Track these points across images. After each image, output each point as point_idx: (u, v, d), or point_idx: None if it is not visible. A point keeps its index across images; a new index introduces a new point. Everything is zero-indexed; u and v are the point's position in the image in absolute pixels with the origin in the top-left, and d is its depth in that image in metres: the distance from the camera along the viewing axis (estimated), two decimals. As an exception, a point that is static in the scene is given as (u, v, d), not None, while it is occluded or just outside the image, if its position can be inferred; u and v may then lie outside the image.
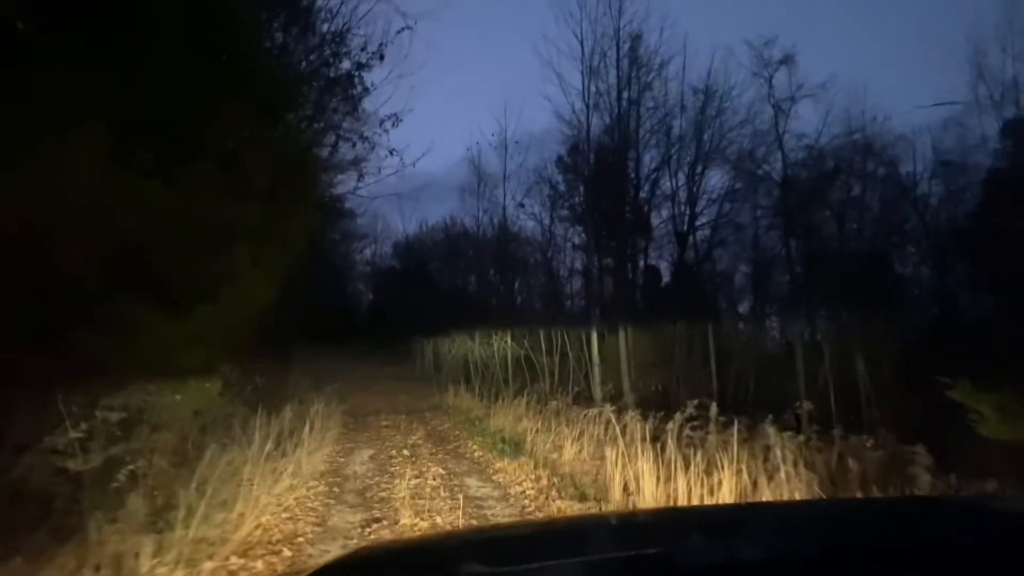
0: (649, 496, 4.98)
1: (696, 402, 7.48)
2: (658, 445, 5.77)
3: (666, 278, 23.08)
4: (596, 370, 16.44)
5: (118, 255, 3.09)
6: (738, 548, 1.18)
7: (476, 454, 8.24)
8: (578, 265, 24.71)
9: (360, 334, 35.83)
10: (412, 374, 21.21)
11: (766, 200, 19.99)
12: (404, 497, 5.60)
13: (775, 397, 12.56)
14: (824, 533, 1.29)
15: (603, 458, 6.94)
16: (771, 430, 4.85)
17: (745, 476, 4.47)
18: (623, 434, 7.28)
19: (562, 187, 25.67)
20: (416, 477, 6.46)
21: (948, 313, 17.47)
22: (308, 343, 23.89)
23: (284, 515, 4.84)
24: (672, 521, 1.71)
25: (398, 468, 7.07)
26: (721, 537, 1.30)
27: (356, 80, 13.63)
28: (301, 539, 4.42)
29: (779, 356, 18.01)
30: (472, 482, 6.41)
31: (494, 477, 6.68)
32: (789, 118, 19.77)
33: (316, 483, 6.16)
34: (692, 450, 5.86)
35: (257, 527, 4.38)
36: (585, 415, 8.20)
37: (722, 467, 5.05)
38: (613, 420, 6.57)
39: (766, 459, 4.66)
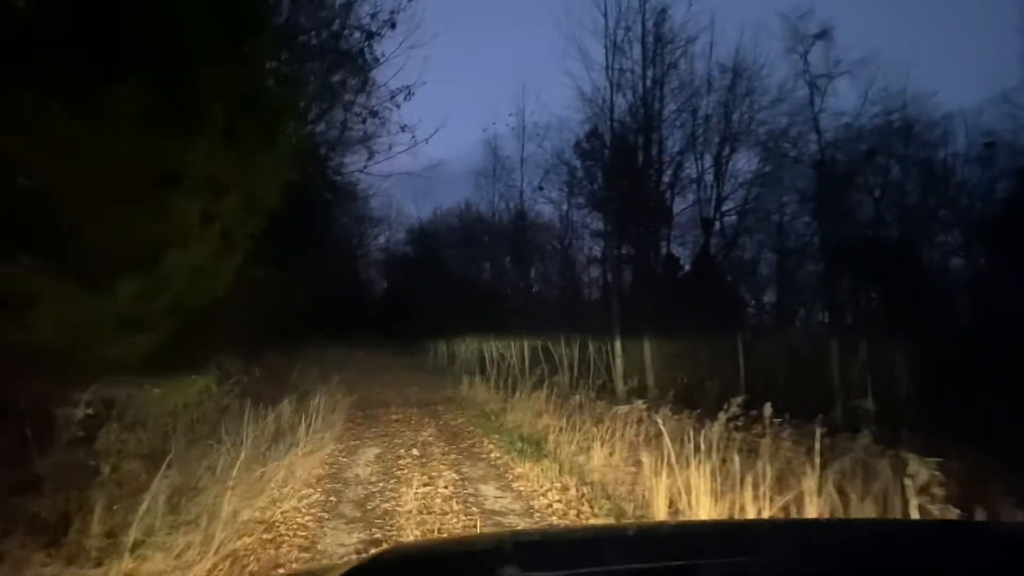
0: (704, 515, 4.13)
1: (741, 399, 6.68)
2: (706, 450, 4.92)
3: (688, 267, 22.11)
4: (619, 362, 15.63)
5: (8, 207, 2.32)
6: (776, 566, 1.17)
7: (493, 455, 7.43)
8: (597, 253, 23.78)
9: (372, 323, 35.23)
10: (425, 364, 20.46)
11: (798, 184, 18.91)
12: (411, 511, 4.80)
13: (810, 393, 11.70)
14: (842, 553, 1.28)
15: (638, 463, 6.11)
16: (864, 440, 3.95)
17: (833, 493, 3.59)
18: (662, 437, 6.46)
19: (580, 173, 24.76)
20: (426, 484, 5.66)
21: (993, 308, 16.37)
22: (316, 332, 23.25)
23: (265, 535, 4.06)
24: (712, 534, 1.68)
25: (406, 472, 6.27)
26: (766, 553, 1.27)
27: (365, 50, 12.77)
28: (282, 572, 3.63)
29: (811, 350, 17.02)
30: (489, 491, 5.60)
31: (514, 485, 5.86)
32: (825, 96, 18.65)
33: (311, 491, 5.37)
34: (748, 456, 5.04)
35: (228, 555, 3.59)
36: (614, 413, 7.35)
37: (790, 478, 4.22)
38: (658, 421, 5.69)
39: (853, 474, 3.78)
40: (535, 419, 9.52)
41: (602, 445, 6.52)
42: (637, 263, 21.06)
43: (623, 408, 7.27)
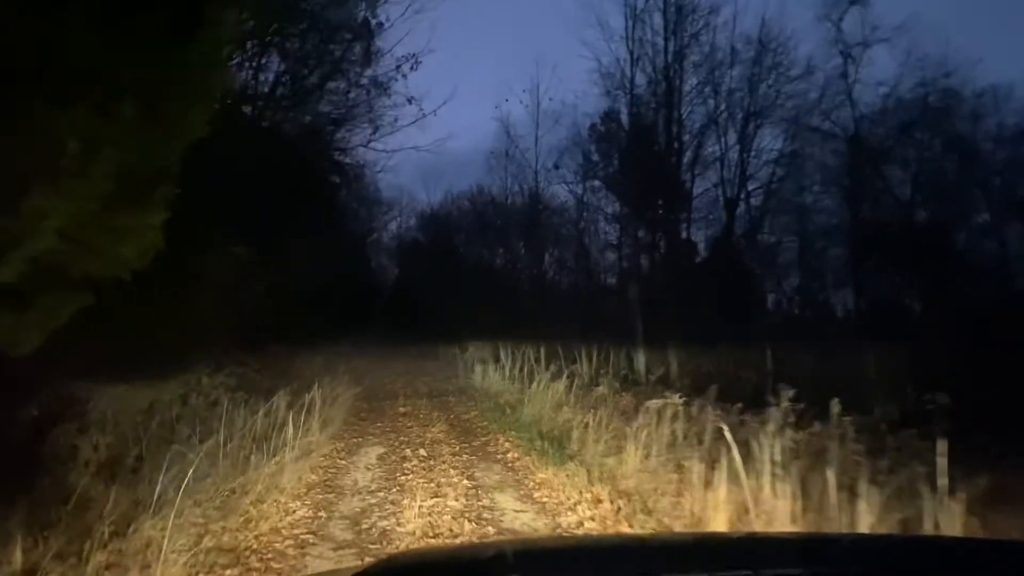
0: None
1: (792, 393, 5.82)
2: (773, 455, 4.07)
3: (708, 251, 21.11)
4: (641, 351, 14.71)
5: None
6: None
7: (509, 456, 6.60)
8: (613, 239, 22.83)
9: (383, 310, 34.59)
10: (436, 352, 19.67)
11: (829, 160, 17.79)
12: (414, 531, 3.98)
13: (849, 385, 10.79)
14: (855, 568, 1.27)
15: (680, 468, 5.27)
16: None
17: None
18: (704, 437, 5.62)
19: (595, 157, 23.78)
20: (434, 495, 4.84)
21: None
22: (323, 320, 22.56)
23: (229, 572, 3.24)
24: (721, 547, 1.66)
25: (411, 477, 5.47)
26: (767, 567, 1.23)
27: (367, 13, 11.85)
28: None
29: (842, 337, 16.04)
30: (507, 503, 4.77)
31: (536, 495, 5.03)
32: (860, 67, 17.49)
33: (297, 504, 4.57)
34: (816, 463, 4.18)
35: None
36: (645, 407, 6.49)
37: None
38: (721, 426, 4.84)
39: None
40: (555, 413, 8.69)
41: (636, 447, 5.67)
42: (657, 248, 20.12)
43: (655, 402, 6.40)
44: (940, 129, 16.46)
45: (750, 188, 19.14)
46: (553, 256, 24.98)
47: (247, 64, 16.17)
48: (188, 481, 4.11)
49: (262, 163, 17.25)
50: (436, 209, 31.74)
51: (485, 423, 8.76)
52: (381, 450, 6.77)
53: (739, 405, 6.82)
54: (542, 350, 14.06)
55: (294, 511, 4.35)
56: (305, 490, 4.97)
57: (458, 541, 3.98)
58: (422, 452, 6.59)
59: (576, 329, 20.19)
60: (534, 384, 10.47)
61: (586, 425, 7.02)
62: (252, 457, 5.22)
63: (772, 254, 19.81)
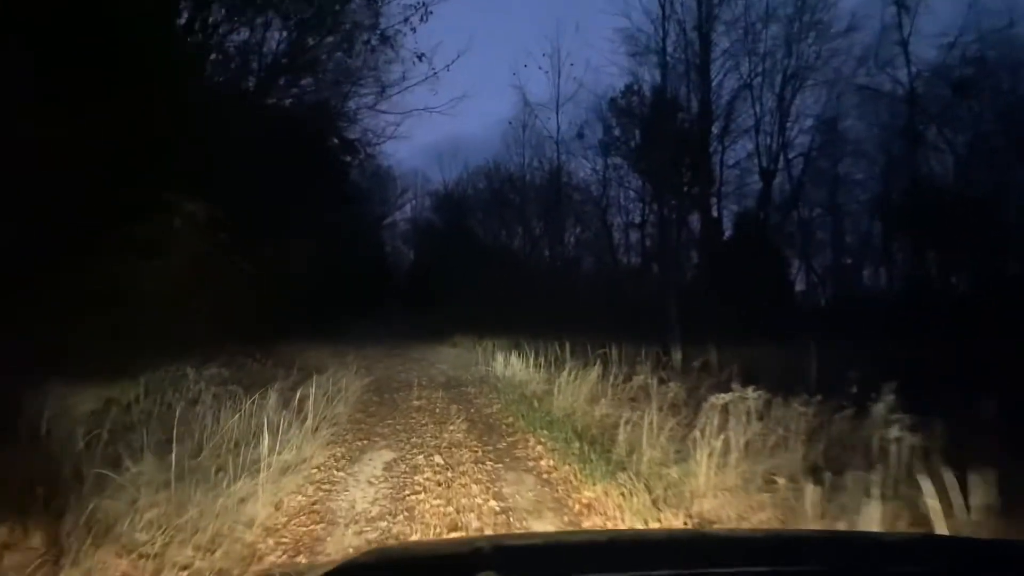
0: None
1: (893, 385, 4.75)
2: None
3: (746, 227, 19.68)
4: (678, 337, 13.44)
5: None
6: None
7: (543, 463, 5.44)
8: (639, 217, 21.44)
9: (398, 296, 33.68)
10: (453, 338, 18.56)
11: (877, 124, 16.26)
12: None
13: (918, 372, 9.55)
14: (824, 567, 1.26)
15: (770, 483, 4.07)
16: None
17: None
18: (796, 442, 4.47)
19: (616, 131, 22.35)
20: (452, 526, 3.68)
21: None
22: (334, 306, 21.58)
23: None
24: (700, 544, 1.65)
25: (424, 497, 4.33)
26: (742, 564, 1.25)
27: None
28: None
29: (904, 320, 14.61)
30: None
31: (587, 524, 3.85)
32: (915, 17, 15.80)
33: (268, 545, 3.42)
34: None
35: None
36: (709, 403, 5.27)
37: None
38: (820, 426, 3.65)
39: None
40: (590, 406, 7.55)
41: (707, 453, 4.47)
42: (688, 225, 18.76)
43: (722, 397, 5.18)
44: (1004, 86, 14.84)
45: (790, 156, 17.63)
46: (575, 236, 23.62)
47: (248, 35, 15.07)
48: (115, 519, 3.00)
49: (263, 138, 16.17)
50: (452, 189, 30.45)
51: (510, 419, 7.61)
52: (389, 456, 5.65)
53: (816, 397, 5.68)
54: (566, 336, 12.91)
55: (261, 555, 3.21)
56: (284, 520, 3.83)
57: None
58: (438, 459, 5.45)
59: (602, 314, 18.99)
60: (563, 373, 9.33)
61: (631, 423, 5.84)
62: (222, 473, 4.11)
63: (812, 229, 18.35)
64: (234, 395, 6.81)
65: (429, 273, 30.50)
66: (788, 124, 18.05)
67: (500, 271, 24.27)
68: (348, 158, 21.64)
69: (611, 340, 12.30)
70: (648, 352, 12.06)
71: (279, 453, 4.61)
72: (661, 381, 7.72)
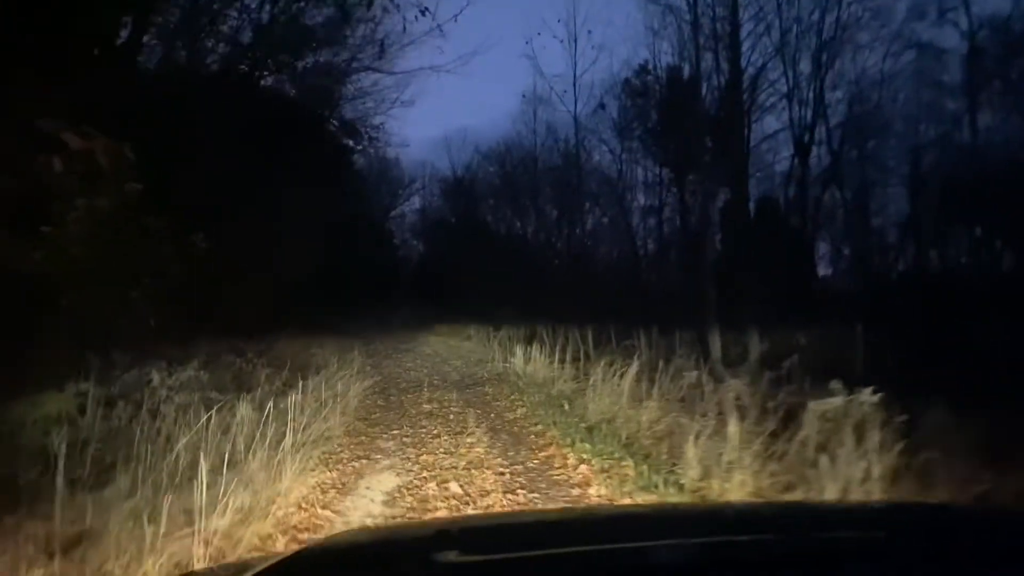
0: None
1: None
2: None
3: (780, 206, 18.26)
4: (715, 330, 12.14)
5: None
6: (725, 547, 1.15)
7: (593, 491, 4.20)
8: (662, 199, 20.04)
9: (408, 289, 32.53)
10: (467, 332, 17.33)
11: (932, 85, 14.75)
12: None
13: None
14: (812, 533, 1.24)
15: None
16: None
17: None
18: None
19: (640, 101, 20.94)
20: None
21: None
22: (339, 299, 20.44)
23: None
24: (664, 518, 1.66)
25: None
26: (708, 536, 1.25)
27: None
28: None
29: (959, 306, 13.18)
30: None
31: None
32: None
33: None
34: None
35: None
36: (810, 409, 4.00)
37: None
38: None
39: None
40: (634, 410, 6.31)
41: (830, 483, 3.20)
42: (716, 205, 17.35)
43: (834, 402, 3.90)
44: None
45: (831, 125, 16.14)
46: (594, 220, 22.18)
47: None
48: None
49: (254, 123, 15.00)
50: (462, 176, 28.98)
51: (539, 426, 6.37)
52: (391, 483, 4.42)
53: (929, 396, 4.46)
54: (588, 326, 11.64)
55: None
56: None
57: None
58: (454, 488, 4.21)
59: (627, 302, 17.70)
60: (596, 368, 8.10)
61: (701, 433, 4.59)
62: (159, 513, 2.91)
63: (850, 206, 16.90)
64: (210, 403, 5.65)
65: (440, 263, 29.35)
66: (824, 92, 16.60)
67: (514, 259, 23.03)
68: (350, 141, 20.44)
69: (638, 329, 11.05)
70: (682, 341, 10.80)
71: (234, 492, 3.38)
72: (715, 377, 6.49)
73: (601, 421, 6.41)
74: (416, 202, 35.25)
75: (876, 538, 1.19)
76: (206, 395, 6.53)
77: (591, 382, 7.45)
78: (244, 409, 4.95)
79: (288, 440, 4.33)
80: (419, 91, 41.99)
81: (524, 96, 23.28)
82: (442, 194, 30.96)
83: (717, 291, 12.45)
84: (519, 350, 10.91)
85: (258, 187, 13.38)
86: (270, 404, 4.89)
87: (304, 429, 5.26)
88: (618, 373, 7.32)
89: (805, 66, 16.37)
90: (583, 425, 6.29)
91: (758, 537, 1.22)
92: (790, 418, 4.67)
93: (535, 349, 10.53)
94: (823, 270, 16.86)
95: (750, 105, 17.46)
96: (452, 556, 1.04)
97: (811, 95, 16.36)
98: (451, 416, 6.97)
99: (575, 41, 20.49)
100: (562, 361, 9.47)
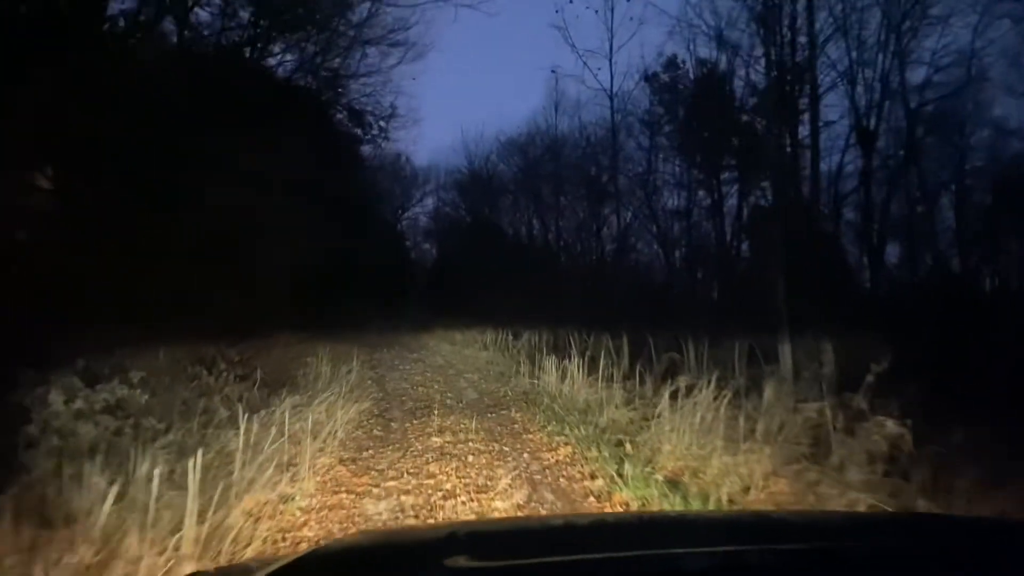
0: None
1: None
2: None
3: (839, 201, 16.19)
4: (787, 343, 10.14)
5: None
6: (738, 555, 1.15)
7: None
8: (707, 190, 18.01)
9: (420, 291, 30.85)
10: (483, 339, 15.43)
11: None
12: None
13: None
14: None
15: None
16: None
17: None
18: None
19: (688, 79, 18.95)
20: None
21: None
22: (344, 302, 18.71)
23: None
24: (670, 525, 1.66)
25: None
26: (718, 544, 1.24)
27: None
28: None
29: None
30: None
31: None
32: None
33: None
34: None
35: None
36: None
37: None
38: None
39: None
40: (734, 457, 4.43)
41: None
42: (766, 201, 15.39)
43: None
44: None
45: (911, 105, 14.04)
46: (629, 215, 19.98)
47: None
48: None
49: (245, 101, 13.33)
50: (479, 168, 26.92)
51: (598, 481, 4.49)
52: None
53: None
54: (623, 336, 9.71)
55: None
56: None
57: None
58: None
59: (664, 309, 15.80)
60: (653, 390, 6.25)
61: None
62: None
63: (928, 201, 14.82)
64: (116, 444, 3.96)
65: (455, 266, 27.55)
66: (896, 73, 14.58)
67: (535, 259, 21.15)
68: (358, 131, 18.70)
69: (683, 336, 9.18)
70: (740, 352, 8.83)
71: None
72: (850, 413, 4.61)
73: (683, 472, 4.51)
74: (429, 203, 33.60)
75: (891, 548, 1.20)
76: (137, 425, 4.74)
77: (657, 411, 5.54)
78: (155, 462, 3.11)
79: (189, 533, 2.46)
80: (433, 69, 39.85)
81: (553, 71, 21.41)
82: (457, 189, 29.03)
83: (785, 296, 10.48)
84: (549, 363, 8.99)
85: (245, 172, 11.65)
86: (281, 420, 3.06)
87: (248, 489, 3.42)
88: (687, 396, 5.44)
89: (872, 35, 14.31)
90: (659, 478, 4.38)
91: (775, 546, 1.20)
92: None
93: (569, 362, 8.62)
94: (906, 270, 14.80)
95: (813, 89, 15.47)
96: (462, 561, 1.04)
97: (881, 71, 14.32)
98: (470, 458, 5.09)
99: (612, 10, 18.56)
100: (607, 379, 7.54)
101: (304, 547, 3.17)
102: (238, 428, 4.09)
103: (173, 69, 12.27)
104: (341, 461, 4.96)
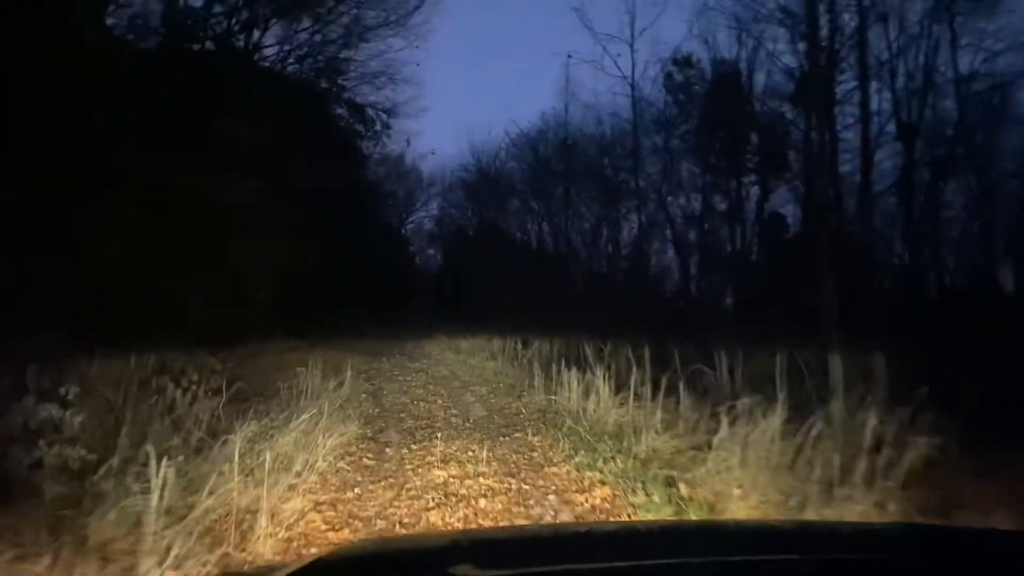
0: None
1: None
2: None
3: (875, 203, 15.03)
4: (836, 353, 8.95)
5: None
6: (738, 565, 1.14)
7: None
8: (733, 188, 16.88)
9: (424, 297, 29.83)
10: (491, 348, 14.30)
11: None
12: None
13: None
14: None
15: None
16: None
17: None
18: None
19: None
20: None
21: None
22: (344, 308, 17.67)
23: None
24: (674, 535, 1.65)
25: None
26: (722, 554, 1.21)
27: None
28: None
29: None
30: None
31: None
32: None
33: None
34: None
35: None
36: None
37: None
38: None
39: None
40: (833, 510, 3.31)
41: None
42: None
43: None
44: None
45: (973, 90, 12.91)
46: (648, 219, 18.72)
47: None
48: None
49: (240, 96, 12.37)
50: (487, 167, 25.72)
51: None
52: None
53: None
54: (643, 346, 8.56)
55: None
56: None
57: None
58: None
59: (687, 318, 14.70)
60: (718, 414, 5.09)
61: None
62: None
63: (984, 202, 13.64)
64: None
65: (460, 271, 26.49)
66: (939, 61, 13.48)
67: (545, 264, 20.04)
68: (361, 127, 17.69)
69: (712, 347, 8.11)
70: (781, 365, 7.68)
71: None
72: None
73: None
74: (434, 208, 32.58)
75: (889, 559, 1.19)
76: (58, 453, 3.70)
77: (717, 439, 4.41)
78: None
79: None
80: (440, 59, 38.78)
81: (570, 56, 20.38)
82: (464, 189, 27.85)
83: (835, 303, 9.35)
84: (570, 378, 7.84)
85: (234, 166, 10.66)
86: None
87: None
88: (762, 425, 4.33)
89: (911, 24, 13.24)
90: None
91: (781, 556, 1.19)
92: None
93: (592, 375, 7.48)
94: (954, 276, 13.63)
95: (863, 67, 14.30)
96: (467, 569, 1.03)
97: (922, 67, 13.22)
98: (482, 502, 3.98)
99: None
100: (641, 397, 6.40)
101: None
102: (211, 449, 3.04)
103: (156, 56, 11.32)
104: (316, 506, 3.85)
